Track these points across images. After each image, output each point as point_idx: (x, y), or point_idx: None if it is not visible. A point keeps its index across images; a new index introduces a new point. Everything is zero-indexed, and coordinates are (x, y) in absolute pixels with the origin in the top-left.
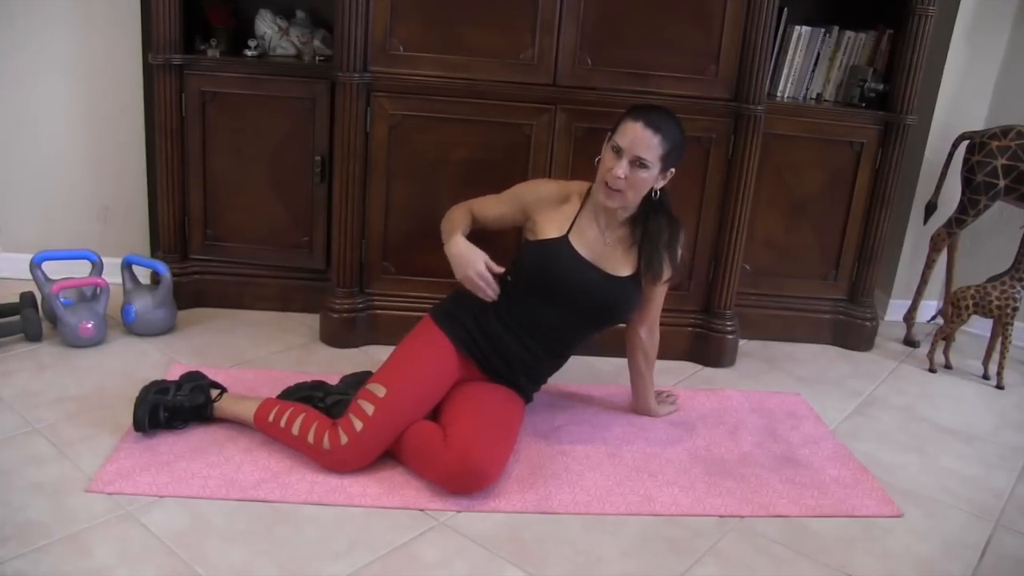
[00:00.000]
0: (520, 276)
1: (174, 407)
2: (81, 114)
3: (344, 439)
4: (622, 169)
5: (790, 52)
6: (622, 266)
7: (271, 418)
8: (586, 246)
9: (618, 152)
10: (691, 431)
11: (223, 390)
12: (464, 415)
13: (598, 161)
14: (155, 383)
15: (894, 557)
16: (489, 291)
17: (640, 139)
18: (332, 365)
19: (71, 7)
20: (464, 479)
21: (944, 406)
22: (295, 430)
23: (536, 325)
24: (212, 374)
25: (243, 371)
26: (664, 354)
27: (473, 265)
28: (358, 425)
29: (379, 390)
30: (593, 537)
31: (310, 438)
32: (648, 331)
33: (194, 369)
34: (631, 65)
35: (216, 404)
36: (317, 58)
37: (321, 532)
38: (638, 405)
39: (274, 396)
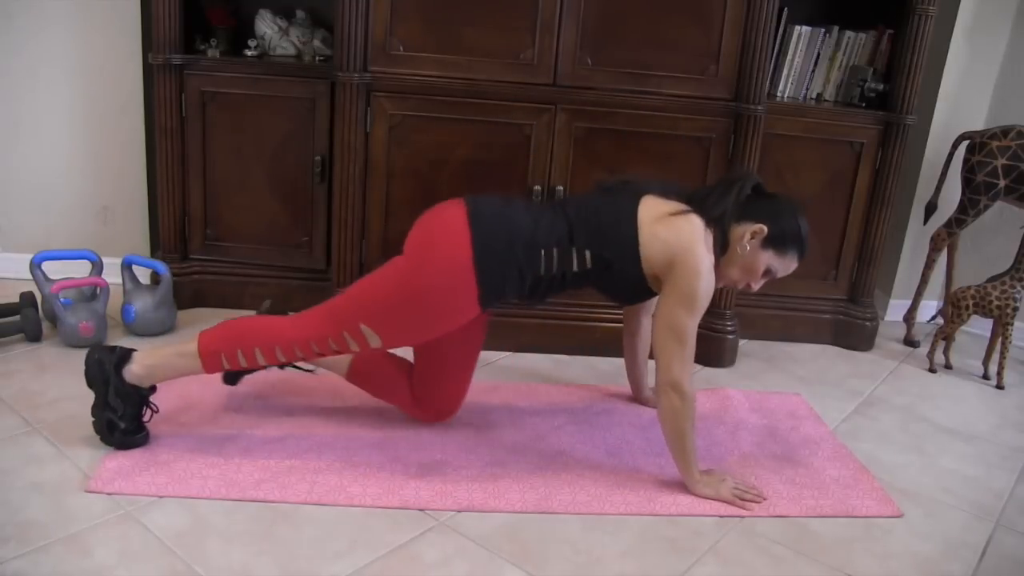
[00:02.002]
0: (608, 288)
1: (132, 416)
2: (81, 114)
3: (316, 351)
4: (759, 286)
5: (790, 52)
6: None
7: (225, 363)
8: None
9: (770, 275)
10: None
11: (124, 352)
12: (436, 370)
13: (745, 247)
14: (99, 429)
15: (894, 557)
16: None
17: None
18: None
19: (71, 7)
20: (435, 421)
21: (944, 406)
22: (260, 360)
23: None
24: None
25: None
26: None
27: (728, 486)
28: (334, 348)
29: (373, 339)
30: (593, 537)
31: (278, 355)
32: (648, 317)
33: (88, 371)
34: (631, 65)
35: (144, 377)
36: (317, 58)
37: (321, 532)
38: (637, 394)
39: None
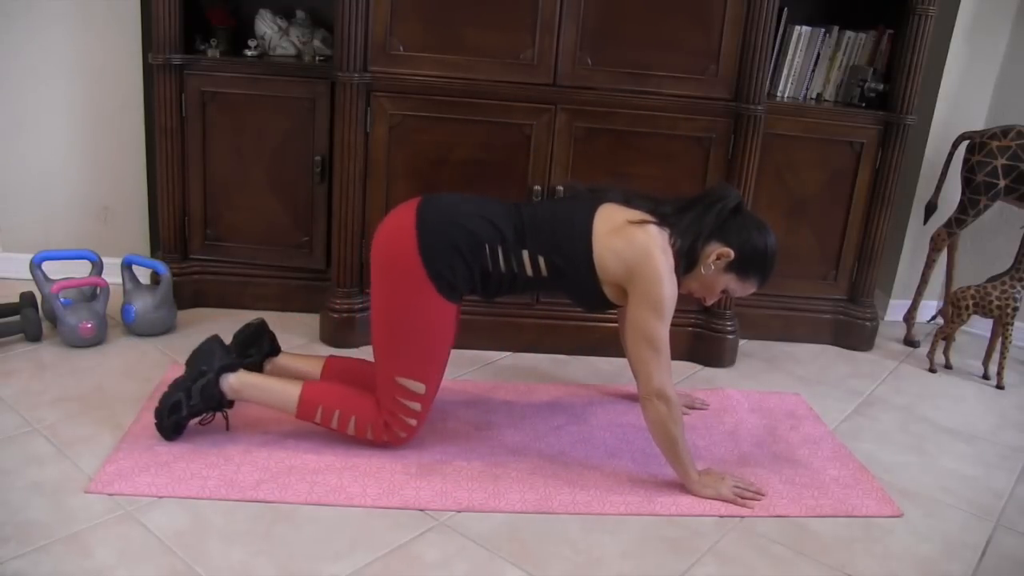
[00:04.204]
0: (567, 295)
1: (194, 414)
2: (81, 114)
3: (402, 435)
4: (713, 301)
5: (790, 52)
6: None
7: (318, 418)
8: None
9: (726, 294)
10: (691, 431)
11: (235, 363)
12: None
13: (709, 268)
14: (164, 402)
15: (894, 557)
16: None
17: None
18: None
19: (71, 7)
20: None
21: (944, 406)
22: (351, 430)
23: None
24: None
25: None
26: None
27: (728, 485)
28: (412, 422)
29: (418, 387)
30: (593, 537)
31: (368, 435)
32: None
33: (197, 352)
34: (631, 65)
35: (236, 391)
36: (317, 58)
37: (321, 532)
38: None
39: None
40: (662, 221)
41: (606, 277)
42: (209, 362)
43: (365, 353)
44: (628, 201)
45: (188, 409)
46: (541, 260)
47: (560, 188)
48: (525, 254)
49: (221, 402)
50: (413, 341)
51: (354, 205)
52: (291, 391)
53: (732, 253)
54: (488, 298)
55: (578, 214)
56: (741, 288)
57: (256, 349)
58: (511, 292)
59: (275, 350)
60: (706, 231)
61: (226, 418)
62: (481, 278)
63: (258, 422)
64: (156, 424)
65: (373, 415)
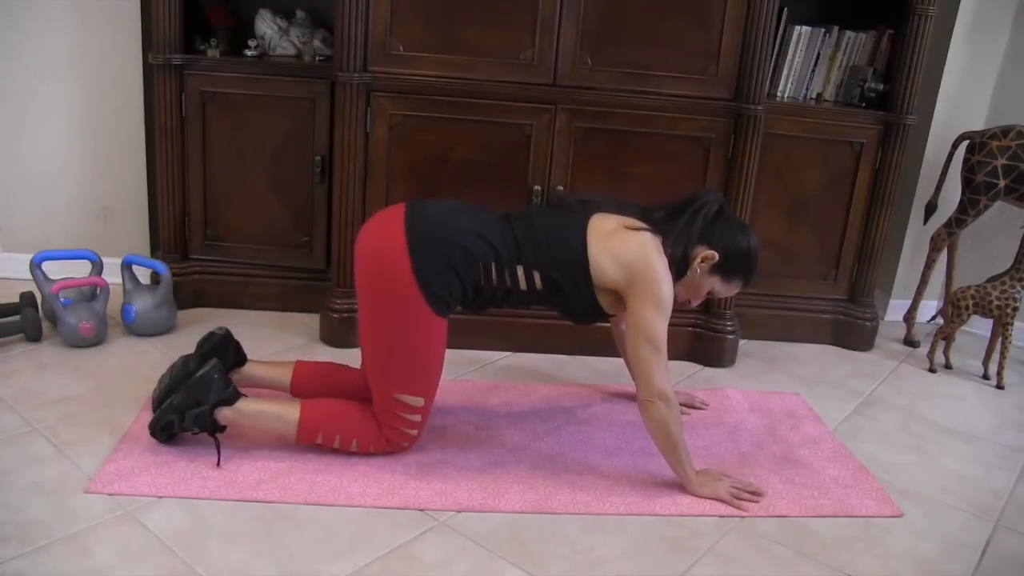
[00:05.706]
0: (560, 309)
1: (186, 431)
2: (81, 114)
3: (404, 445)
4: (698, 303)
5: (790, 52)
6: None
7: (319, 440)
8: None
9: (712, 296)
10: (691, 431)
11: (232, 397)
12: None
13: (695, 271)
14: (156, 421)
15: (894, 557)
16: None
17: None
18: None
19: (71, 7)
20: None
21: (944, 406)
22: (353, 448)
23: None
24: None
25: None
26: None
27: (725, 485)
28: (413, 432)
29: (417, 401)
30: (593, 537)
31: (371, 450)
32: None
33: (196, 380)
34: (631, 65)
35: (232, 421)
36: (317, 58)
37: (321, 532)
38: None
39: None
40: (655, 229)
41: (602, 284)
42: (205, 394)
43: None
44: (619, 209)
45: (180, 428)
46: (536, 275)
47: (559, 188)
48: (520, 270)
49: (215, 427)
50: (410, 360)
51: (354, 205)
52: (289, 417)
53: (717, 256)
54: (476, 311)
55: (571, 228)
56: (726, 289)
57: (220, 361)
58: (502, 306)
59: (241, 360)
60: (695, 236)
61: (218, 447)
62: (473, 293)
63: None
64: (150, 433)
65: (374, 434)
